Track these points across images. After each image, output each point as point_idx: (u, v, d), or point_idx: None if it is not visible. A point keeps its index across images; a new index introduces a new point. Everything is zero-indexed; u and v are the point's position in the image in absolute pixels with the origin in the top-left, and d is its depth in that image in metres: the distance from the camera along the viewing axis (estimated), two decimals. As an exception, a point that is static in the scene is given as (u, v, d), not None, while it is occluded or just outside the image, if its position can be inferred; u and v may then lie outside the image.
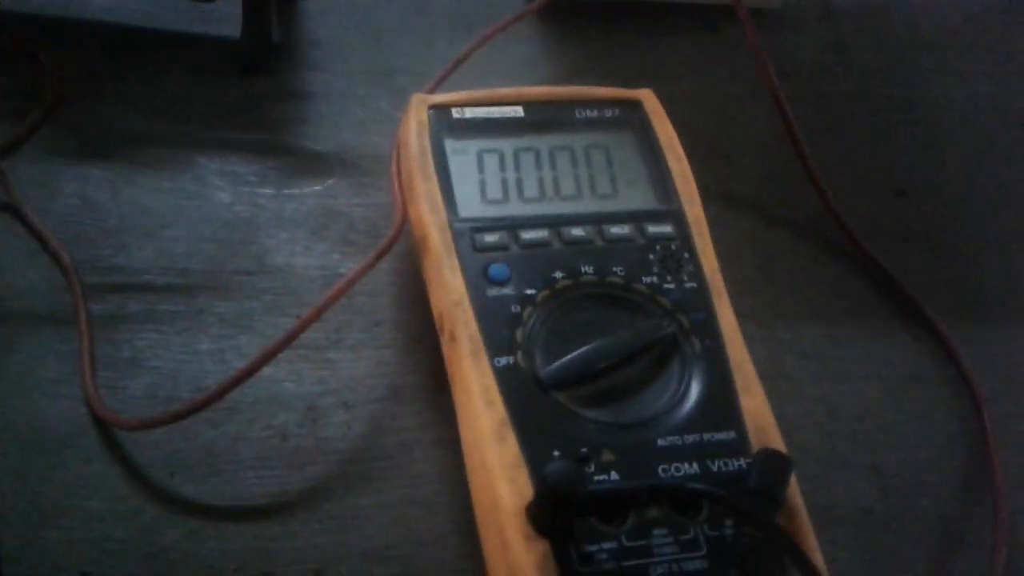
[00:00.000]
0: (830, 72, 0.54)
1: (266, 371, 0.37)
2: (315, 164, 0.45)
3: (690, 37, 0.54)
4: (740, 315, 0.35)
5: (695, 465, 0.31)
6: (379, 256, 0.37)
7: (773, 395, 0.33)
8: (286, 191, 0.44)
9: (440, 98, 0.40)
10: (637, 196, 0.38)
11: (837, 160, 0.49)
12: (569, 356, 0.33)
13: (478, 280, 0.34)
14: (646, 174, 0.39)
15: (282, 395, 0.37)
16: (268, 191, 0.44)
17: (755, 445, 0.31)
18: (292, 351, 0.38)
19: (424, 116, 0.39)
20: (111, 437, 0.35)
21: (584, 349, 0.33)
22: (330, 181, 0.45)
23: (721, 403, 0.32)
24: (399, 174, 0.40)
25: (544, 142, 0.40)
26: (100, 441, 0.35)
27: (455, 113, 0.40)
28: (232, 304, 0.39)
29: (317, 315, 0.35)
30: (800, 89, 0.52)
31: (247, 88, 0.48)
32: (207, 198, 0.43)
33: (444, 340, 0.35)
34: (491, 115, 0.40)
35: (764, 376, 0.34)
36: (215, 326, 0.39)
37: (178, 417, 0.34)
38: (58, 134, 0.45)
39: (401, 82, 0.49)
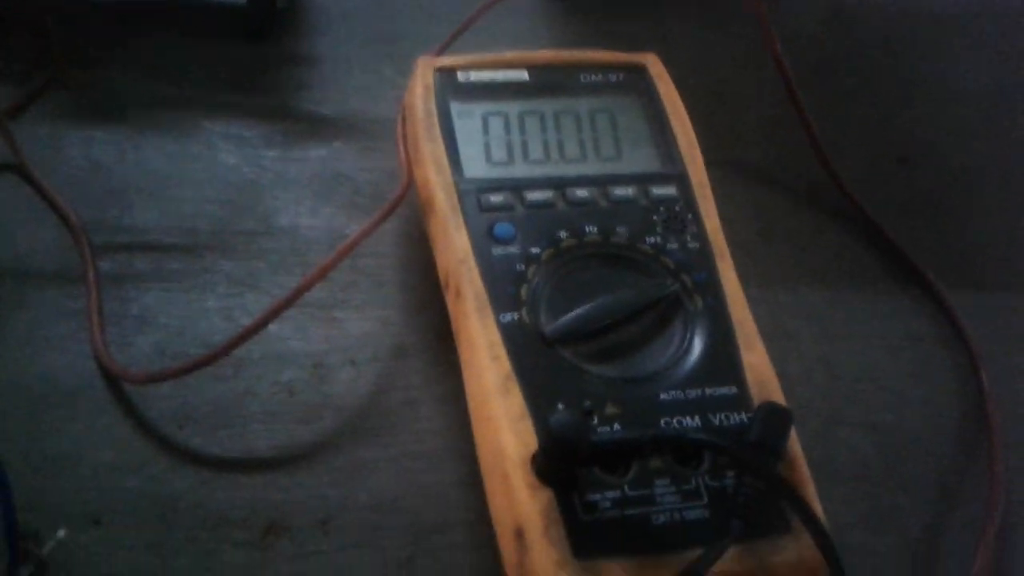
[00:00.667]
0: (834, 41, 0.54)
1: (273, 329, 0.37)
2: (320, 128, 0.45)
3: (695, 5, 0.54)
4: (742, 278, 0.36)
5: (697, 418, 0.31)
6: (384, 216, 0.38)
7: (774, 354, 0.34)
8: (291, 154, 0.44)
9: (446, 61, 0.41)
10: (641, 159, 0.39)
11: (840, 127, 0.49)
12: (573, 313, 0.33)
13: (483, 239, 0.35)
14: (650, 137, 0.39)
15: (289, 352, 0.37)
16: (273, 154, 0.44)
17: (756, 399, 0.32)
18: (298, 310, 0.38)
19: (430, 79, 0.40)
20: (120, 391, 0.35)
21: (588, 306, 0.33)
22: (335, 144, 0.45)
23: (723, 359, 0.33)
24: (405, 136, 0.40)
25: (549, 105, 0.40)
26: (109, 395, 0.35)
27: (460, 76, 0.40)
28: (238, 264, 0.40)
29: (323, 273, 0.36)
30: (804, 57, 0.52)
31: (252, 53, 0.48)
32: (212, 160, 0.44)
33: (450, 297, 0.35)
34: (496, 78, 0.40)
35: (765, 336, 0.34)
36: (222, 285, 0.39)
37: (186, 371, 0.34)
38: (64, 97, 0.45)
39: (405, 48, 0.49)
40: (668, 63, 0.42)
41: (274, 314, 0.35)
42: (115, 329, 0.37)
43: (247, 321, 0.35)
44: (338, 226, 0.42)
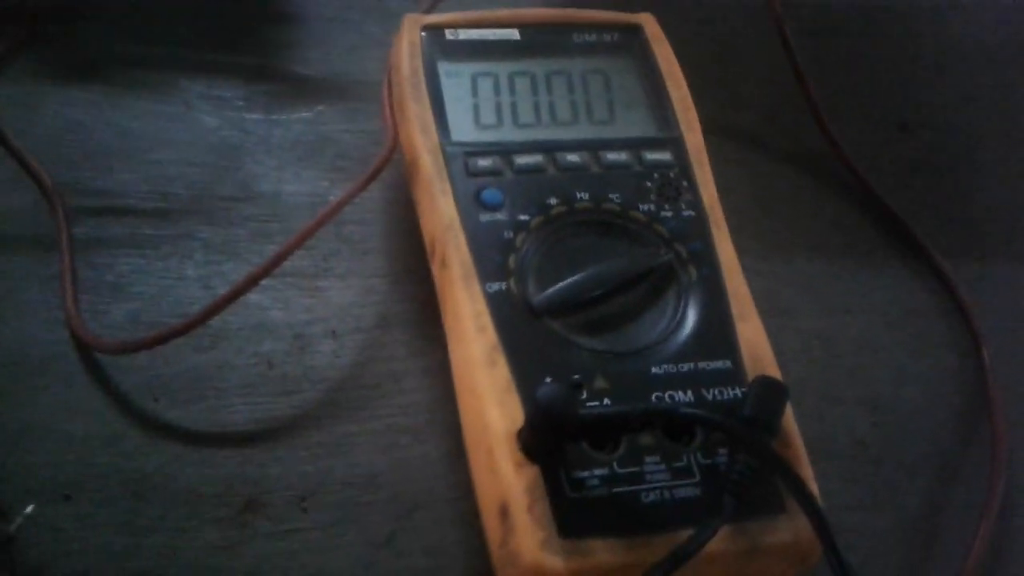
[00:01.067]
0: (836, 6, 0.52)
1: (253, 298, 0.36)
2: (305, 89, 0.44)
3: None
4: (738, 249, 0.34)
5: (690, 393, 0.30)
6: (368, 180, 0.36)
7: (770, 328, 0.33)
8: (274, 116, 0.43)
9: (433, 19, 0.39)
10: (635, 123, 0.37)
11: (840, 93, 0.47)
12: (563, 283, 0.32)
13: (470, 205, 0.33)
14: (645, 101, 0.38)
15: (269, 322, 0.36)
16: (256, 116, 0.43)
17: (751, 374, 0.31)
18: (279, 279, 0.37)
19: (417, 37, 0.38)
20: (93, 361, 0.34)
21: (578, 276, 0.32)
22: (320, 107, 0.43)
23: (717, 332, 0.32)
24: (390, 97, 0.39)
25: (540, 66, 0.38)
26: (82, 365, 0.34)
27: (449, 34, 0.39)
28: (217, 230, 0.38)
29: (302, 240, 0.34)
30: (804, 21, 0.50)
31: (236, 10, 0.47)
32: (193, 122, 0.42)
33: (435, 265, 0.34)
34: (486, 37, 0.39)
35: (761, 310, 0.33)
36: (200, 252, 0.38)
37: (160, 341, 0.33)
38: (40, 55, 0.43)
39: (392, 6, 0.47)
40: (665, 24, 0.40)
41: (252, 282, 0.34)
42: (89, 296, 0.36)
43: (226, 289, 0.34)
44: (322, 191, 0.40)
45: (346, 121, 0.43)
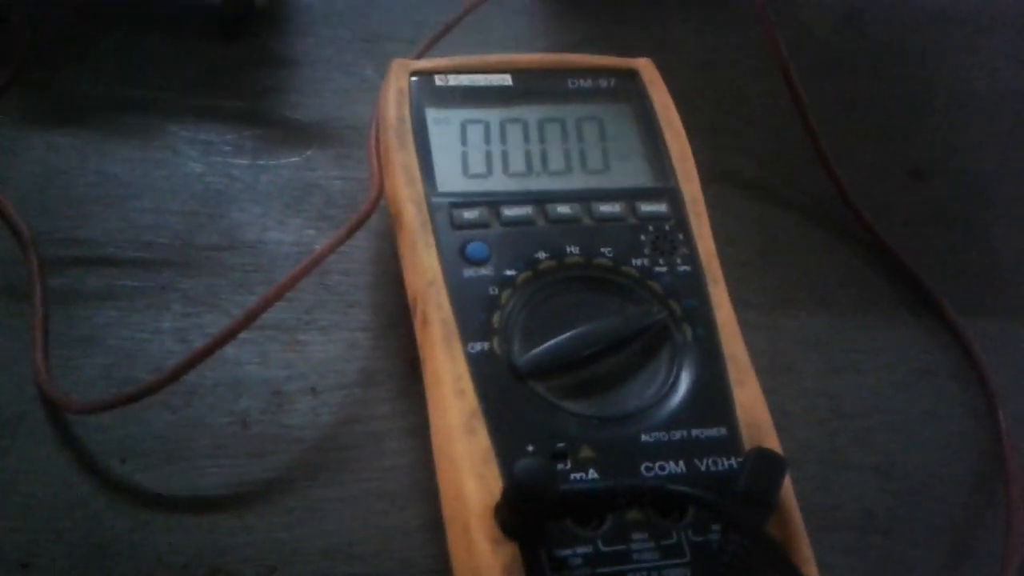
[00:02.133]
0: (844, 47, 0.51)
1: (230, 352, 0.35)
2: (294, 134, 0.43)
3: (695, 7, 0.51)
4: (740, 302, 0.33)
5: (681, 464, 0.28)
6: (350, 232, 0.35)
7: (773, 389, 0.31)
8: (261, 162, 0.41)
9: (422, 64, 0.38)
10: (630, 172, 0.36)
11: (849, 139, 0.46)
12: (549, 343, 0.30)
13: (454, 259, 0.32)
14: (641, 149, 0.36)
15: (246, 378, 0.34)
16: (242, 161, 0.41)
17: (747, 443, 0.29)
18: (259, 331, 0.35)
19: (405, 83, 0.37)
20: (60, 419, 0.33)
21: (566, 335, 0.30)
22: (308, 152, 0.42)
23: (712, 397, 0.30)
24: (377, 144, 0.38)
25: (533, 113, 0.37)
26: (48, 423, 0.32)
27: (438, 80, 0.37)
28: (198, 281, 0.37)
29: (283, 291, 0.33)
30: (811, 64, 0.49)
31: (226, 53, 0.46)
32: (177, 168, 0.41)
33: (417, 323, 0.32)
34: (477, 83, 0.38)
35: (764, 368, 0.31)
36: (178, 303, 0.36)
37: (131, 400, 0.31)
38: (25, 98, 0.43)
39: (388, 49, 0.46)
40: (665, 68, 0.39)
41: (229, 336, 0.32)
42: (61, 350, 0.34)
43: (202, 344, 0.33)
44: (307, 240, 0.39)
45: (335, 167, 0.42)
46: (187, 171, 0.41)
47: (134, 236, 0.38)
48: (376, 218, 0.37)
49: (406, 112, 0.36)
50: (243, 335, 0.33)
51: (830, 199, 0.43)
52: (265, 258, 0.38)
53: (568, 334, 0.30)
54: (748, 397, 0.30)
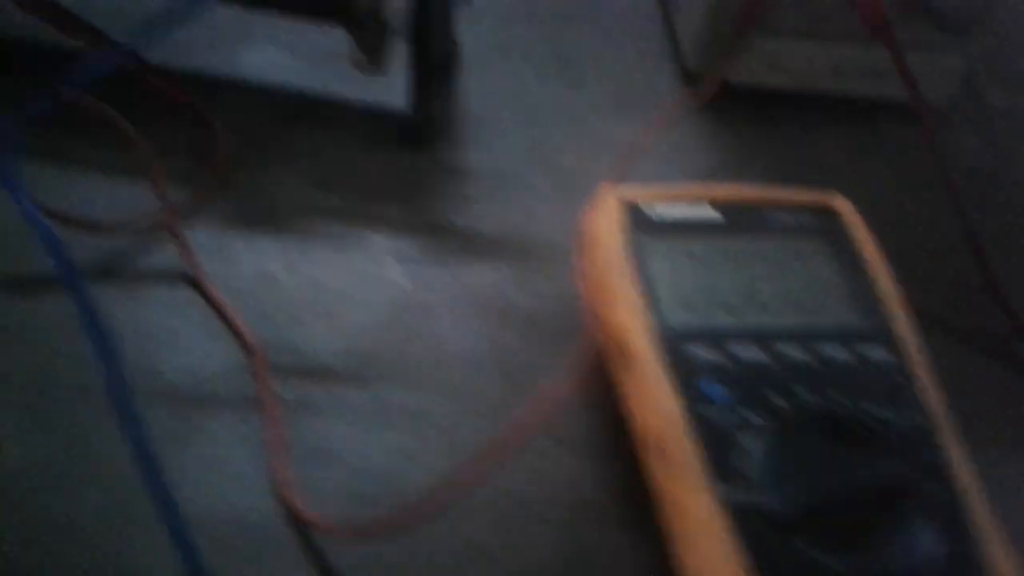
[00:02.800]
0: (993, 176, 0.52)
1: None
2: (486, 246, 0.44)
3: (847, 132, 0.52)
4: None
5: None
6: (578, 369, 0.36)
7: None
8: (459, 275, 0.43)
9: (630, 192, 0.39)
10: (843, 312, 0.37)
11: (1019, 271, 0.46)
12: (809, 492, 0.31)
13: (691, 396, 0.33)
14: (849, 288, 0.38)
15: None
16: (440, 273, 0.43)
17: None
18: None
19: (616, 210, 0.39)
20: (306, 539, 0.34)
21: (828, 487, 0.31)
22: (502, 265, 0.44)
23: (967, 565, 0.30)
24: (587, 273, 0.39)
25: (742, 247, 0.38)
26: (295, 541, 0.34)
27: (646, 210, 0.39)
28: (412, 395, 0.38)
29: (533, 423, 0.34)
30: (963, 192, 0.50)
31: (412, 162, 0.47)
32: (380, 278, 0.42)
33: (650, 457, 0.34)
34: (686, 215, 0.39)
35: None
36: (397, 417, 0.38)
37: (400, 527, 0.32)
38: (229, 201, 0.44)
39: (558, 161, 0.48)
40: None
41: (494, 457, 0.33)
42: (297, 465, 0.36)
43: (429, 461, 0.34)
44: (509, 356, 0.40)
45: (528, 282, 0.43)
46: (389, 281, 0.42)
47: (346, 345, 0.40)
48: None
49: (624, 242, 0.37)
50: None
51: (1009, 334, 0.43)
52: (472, 372, 0.39)
53: (831, 486, 0.31)
54: (1008, 570, 0.30)
